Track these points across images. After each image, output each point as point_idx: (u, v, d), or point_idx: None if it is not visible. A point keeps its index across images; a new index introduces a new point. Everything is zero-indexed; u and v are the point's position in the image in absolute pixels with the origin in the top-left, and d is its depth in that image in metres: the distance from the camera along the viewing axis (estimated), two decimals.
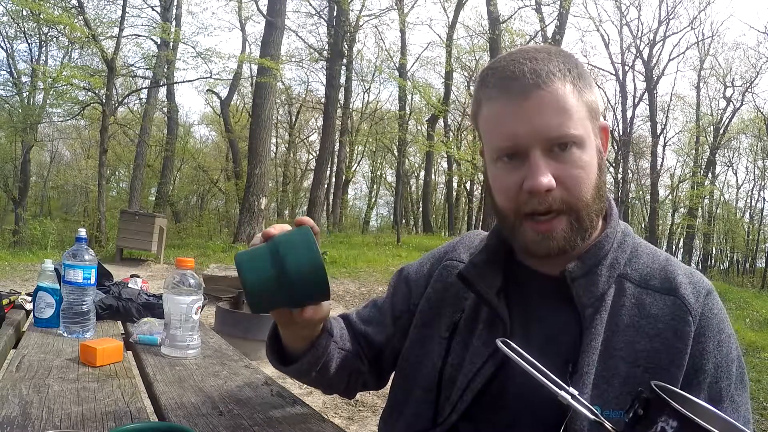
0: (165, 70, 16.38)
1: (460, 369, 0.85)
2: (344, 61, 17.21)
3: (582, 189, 0.77)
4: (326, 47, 18.27)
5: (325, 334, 0.88)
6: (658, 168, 24.35)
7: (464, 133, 24.73)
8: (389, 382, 1.04)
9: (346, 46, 16.93)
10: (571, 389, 0.62)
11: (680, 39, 28.54)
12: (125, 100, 18.72)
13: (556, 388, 0.62)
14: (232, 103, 21.66)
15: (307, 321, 0.79)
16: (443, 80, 21.12)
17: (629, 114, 22.84)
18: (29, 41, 18.66)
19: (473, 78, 22.20)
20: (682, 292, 0.80)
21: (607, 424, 0.59)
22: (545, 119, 0.74)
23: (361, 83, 22.94)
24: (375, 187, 29.34)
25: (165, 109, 19.60)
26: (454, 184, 24.28)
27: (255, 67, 15.77)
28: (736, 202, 28.50)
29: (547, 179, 0.74)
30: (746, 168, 37.79)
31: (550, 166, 0.75)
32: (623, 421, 0.58)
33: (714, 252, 28.91)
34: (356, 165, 27.24)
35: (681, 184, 26.42)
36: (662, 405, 0.54)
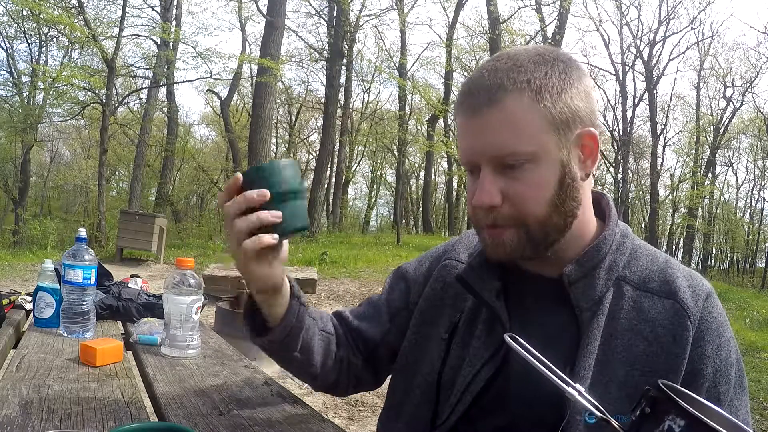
0: (165, 70, 16.39)
1: (459, 370, 0.84)
2: (344, 61, 17.20)
3: (530, 206, 0.76)
4: (326, 47, 18.26)
5: (294, 300, 0.86)
6: (658, 168, 24.36)
7: None
8: (387, 382, 1.03)
9: (346, 46, 16.91)
10: (577, 386, 0.62)
11: (680, 39, 28.53)
12: (125, 100, 18.76)
13: (563, 384, 0.61)
14: (232, 103, 21.64)
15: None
16: (443, 80, 21.12)
17: (629, 114, 22.85)
18: (29, 41, 18.71)
19: None
20: (681, 296, 0.79)
21: (613, 422, 0.58)
22: (491, 137, 0.75)
23: (361, 83, 22.97)
24: (375, 187, 29.35)
25: (165, 109, 19.60)
26: (454, 184, 24.26)
27: (255, 67, 15.77)
28: (736, 202, 28.57)
29: (488, 198, 0.76)
30: (746, 168, 37.82)
31: (499, 182, 0.76)
32: (628, 420, 0.58)
33: (714, 252, 28.95)
34: (356, 165, 27.29)
35: (681, 184, 26.43)
36: (669, 403, 0.54)
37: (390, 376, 1.00)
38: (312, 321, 0.90)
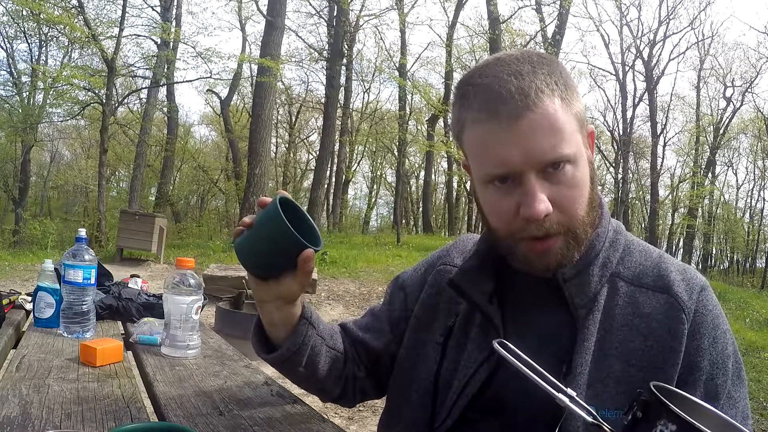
0: (165, 70, 16.37)
1: (455, 374, 0.84)
2: (344, 61, 17.21)
3: (577, 208, 0.76)
4: (326, 47, 18.28)
5: (303, 321, 0.88)
6: (658, 168, 24.34)
7: None
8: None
9: (346, 46, 16.93)
10: (569, 391, 0.62)
11: (680, 39, 28.48)
12: (125, 100, 18.74)
13: (553, 390, 0.61)
14: (232, 103, 21.65)
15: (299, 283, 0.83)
16: (443, 80, 21.12)
17: (629, 114, 22.83)
18: (29, 41, 18.68)
19: None
20: (675, 290, 0.79)
21: (606, 427, 0.58)
22: (538, 143, 0.71)
23: (361, 83, 22.95)
24: (375, 187, 29.35)
25: (165, 109, 19.58)
26: (454, 184, 24.24)
27: (255, 67, 15.77)
28: (736, 202, 28.55)
29: (544, 206, 0.72)
30: (746, 168, 37.83)
31: (545, 188, 0.73)
32: (621, 423, 0.58)
33: (714, 252, 28.93)
34: (356, 165, 27.25)
35: (681, 184, 26.42)
36: (661, 408, 0.54)
37: (390, 379, 1.00)
38: (320, 340, 0.91)
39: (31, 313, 1.64)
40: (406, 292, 1.00)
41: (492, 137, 0.74)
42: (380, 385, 1.02)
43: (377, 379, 1.01)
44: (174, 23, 16.98)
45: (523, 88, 0.72)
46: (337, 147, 19.33)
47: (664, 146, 25.70)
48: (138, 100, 20.67)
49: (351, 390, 0.99)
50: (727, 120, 24.27)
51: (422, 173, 26.25)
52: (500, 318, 0.82)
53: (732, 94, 24.09)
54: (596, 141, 0.86)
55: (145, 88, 18.38)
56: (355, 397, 1.01)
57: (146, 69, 18.08)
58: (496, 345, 0.66)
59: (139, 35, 16.96)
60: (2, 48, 18.22)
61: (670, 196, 26.72)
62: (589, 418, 0.59)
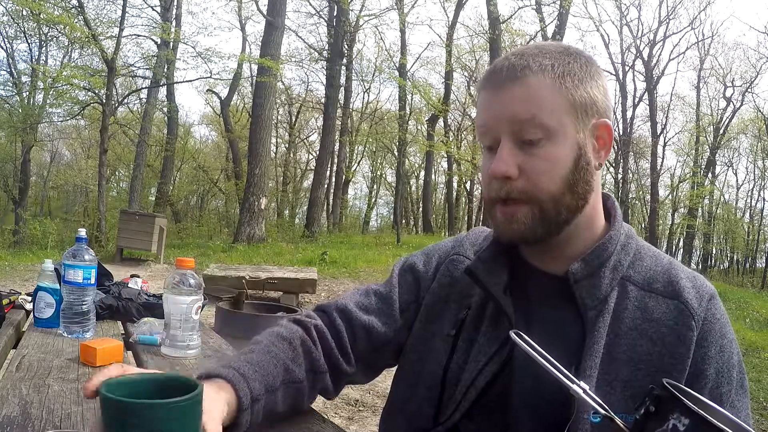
0: (165, 70, 16.37)
1: (465, 366, 0.84)
2: (344, 61, 17.21)
3: (544, 181, 0.78)
4: (326, 47, 18.28)
5: (241, 413, 0.74)
6: (658, 168, 24.36)
7: (464, 133, 24.76)
8: (380, 377, 1.00)
9: (346, 46, 16.94)
10: (582, 383, 0.62)
11: (680, 39, 28.46)
12: (125, 100, 18.74)
13: (568, 382, 0.61)
14: (232, 103, 21.66)
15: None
16: (443, 80, 21.15)
17: (629, 114, 22.87)
18: (29, 41, 18.71)
19: (473, 78, 22.25)
20: (686, 296, 0.80)
21: (618, 421, 0.59)
22: (512, 109, 0.78)
23: (361, 83, 22.91)
24: (375, 187, 29.36)
25: (165, 109, 19.59)
26: (454, 184, 24.26)
27: (255, 67, 15.78)
28: (736, 202, 28.57)
29: (505, 167, 0.78)
30: (746, 168, 37.93)
31: (517, 156, 0.78)
32: (633, 418, 0.58)
33: (714, 252, 28.94)
34: (356, 165, 27.25)
35: (681, 184, 26.41)
36: (674, 402, 0.54)
37: (395, 372, 0.98)
38: (272, 400, 0.80)
39: (31, 313, 1.64)
40: (417, 275, 0.97)
41: (483, 102, 0.83)
42: (373, 373, 0.98)
43: (371, 365, 0.96)
44: (174, 23, 16.99)
45: (514, 64, 0.79)
46: (337, 147, 19.33)
47: (664, 146, 25.75)
48: (138, 100, 20.71)
49: (333, 391, 0.92)
50: (727, 120, 24.31)
51: (422, 173, 26.26)
52: (513, 310, 0.81)
53: (732, 94, 24.13)
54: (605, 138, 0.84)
55: (145, 88, 18.39)
56: (338, 392, 0.95)
57: (146, 69, 18.10)
58: (512, 334, 0.67)
59: (139, 35, 17.00)
60: (2, 48, 18.27)
61: (670, 196, 26.73)
62: (602, 411, 0.60)
